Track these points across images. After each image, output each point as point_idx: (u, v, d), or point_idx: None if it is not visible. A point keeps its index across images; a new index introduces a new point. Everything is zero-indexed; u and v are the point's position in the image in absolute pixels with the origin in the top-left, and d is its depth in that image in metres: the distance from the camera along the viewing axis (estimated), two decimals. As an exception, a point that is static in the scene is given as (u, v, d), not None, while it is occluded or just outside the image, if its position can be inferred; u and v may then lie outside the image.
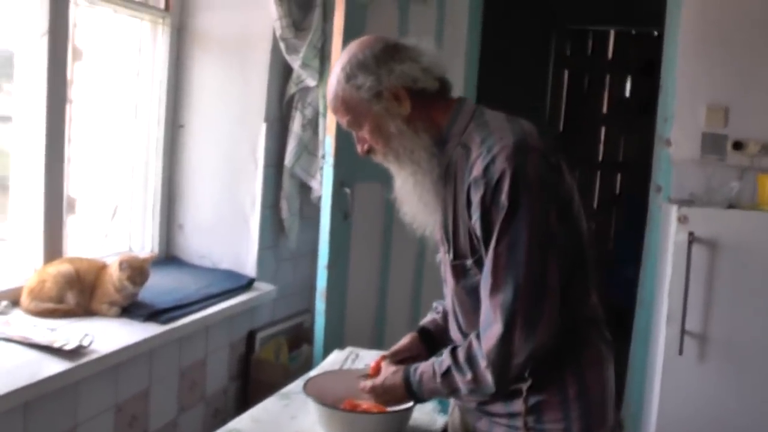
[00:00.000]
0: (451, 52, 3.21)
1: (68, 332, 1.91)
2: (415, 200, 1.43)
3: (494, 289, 1.30)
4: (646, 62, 5.01)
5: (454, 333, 1.50)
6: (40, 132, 2.18)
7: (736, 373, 2.41)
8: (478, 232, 1.33)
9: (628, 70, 4.97)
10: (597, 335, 1.44)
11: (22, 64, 2.16)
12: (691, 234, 2.38)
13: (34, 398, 1.72)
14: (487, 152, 1.31)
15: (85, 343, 1.86)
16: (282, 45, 2.68)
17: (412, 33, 2.89)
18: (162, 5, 2.70)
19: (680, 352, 2.42)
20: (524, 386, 1.37)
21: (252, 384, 2.78)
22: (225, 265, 2.82)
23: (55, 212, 2.26)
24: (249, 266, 2.80)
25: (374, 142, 1.44)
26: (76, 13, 2.34)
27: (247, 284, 2.69)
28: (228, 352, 2.68)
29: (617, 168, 5.23)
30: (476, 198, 1.31)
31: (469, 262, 1.38)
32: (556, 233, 1.30)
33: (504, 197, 1.28)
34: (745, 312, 2.39)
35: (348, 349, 2.26)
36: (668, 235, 2.53)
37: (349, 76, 1.40)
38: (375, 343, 2.83)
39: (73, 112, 2.40)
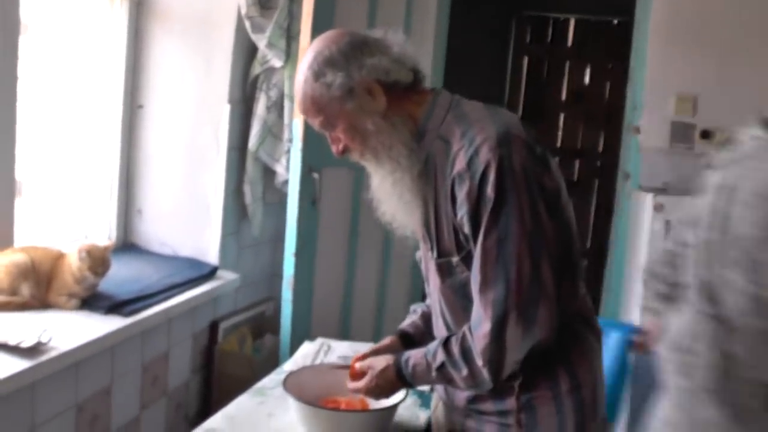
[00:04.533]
0: (419, 40, 3.14)
1: (24, 328, 1.77)
2: (395, 199, 1.36)
3: (484, 285, 1.26)
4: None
5: (441, 332, 1.44)
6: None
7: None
8: (466, 228, 1.27)
9: (588, 58, 4.99)
10: (586, 328, 1.40)
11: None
12: (668, 222, 2.38)
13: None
14: (469, 144, 1.26)
15: (43, 339, 1.73)
16: (247, 23, 2.57)
17: (381, 15, 2.85)
18: (119, -23, 2.54)
19: (654, 342, 2.43)
20: (516, 383, 1.33)
21: (215, 376, 2.68)
22: (186, 252, 2.70)
23: (5, 198, 2.11)
24: (211, 254, 2.69)
25: (350, 141, 1.36)
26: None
27: (210, 272, 2.58)
28: (191, 344, 2.57)
29: (575, 155, 5.26)
30: (461, 193, 1.26)
31: (455, 259, 1.33)
32: (546, 226, 1.25)
33: (490, 190, 1.22)
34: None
35: (319, 341, 2.19)
36: (642, 223, 2.53)
37: (317, 74, 1.32)
38: (341, 333, 2.77)
39: (18, 90, 2.25)
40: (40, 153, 2.39)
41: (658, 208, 2.39)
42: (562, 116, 5.03)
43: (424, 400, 1.76)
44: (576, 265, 1.37)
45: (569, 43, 4.97)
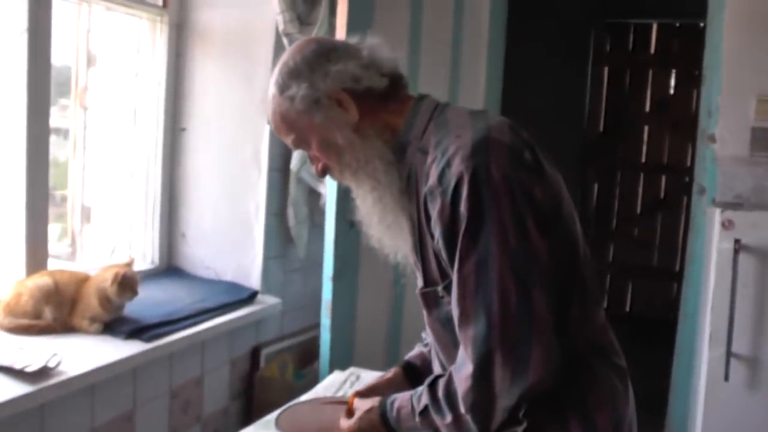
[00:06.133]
0: (472, 48, 2.98)
1: (35, 352, 1.75)
2: (376, 220, 1.22)
3: (463, 320, 1.08)
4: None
5: (437, 369, 1.29)
6: (21, 134, 2.05)
7: (791, 403, 2.12)
8: (444, 252, 1.11)
9: (673, 64, 4.65)
10: (606, 365, 1.19)
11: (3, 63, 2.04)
12: (737, 242, 2.09)
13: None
14: (441, 156, 1.10)
15: (51, 363, 1.70)
16: (285, 41, 2.51)
17: (426, 26, 2.72)
18: (160, 2, 2.55)
19: (726, 377, 2.13)
20: (519, 429, 1.13)
21: (256, 403, 2.60)
22: (229, 276, 2.65)
23: (39, 220, 2.12)
24: (253, 278, 2.62)
25: (326, 159, 1.24)
26: (90, 17, 2.29)
27: (249, 297, 2.51)
28: (229, 369, 2.50)
29: (661, 170, 4.90)
30: (434, 212, 1.10)
31: (440, 288, 1.16)
32: (538, 245, 1.06)
33: (464, 207, 1.05)
34: (801, 332, 2.09)
35: (349, 370, 2.06)
36: (711, 242, 2.24)
37: (282, 88, 1.21)
38: (388, 362, 2.62)
39: (88, 119, 2.34)
40: (100, 179, 2.45)
41: (726, 225, 2.11)
42: (646, 129, 4.70)
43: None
44: (585, 289, 1.17)
45: (652, 50, 4.64)
